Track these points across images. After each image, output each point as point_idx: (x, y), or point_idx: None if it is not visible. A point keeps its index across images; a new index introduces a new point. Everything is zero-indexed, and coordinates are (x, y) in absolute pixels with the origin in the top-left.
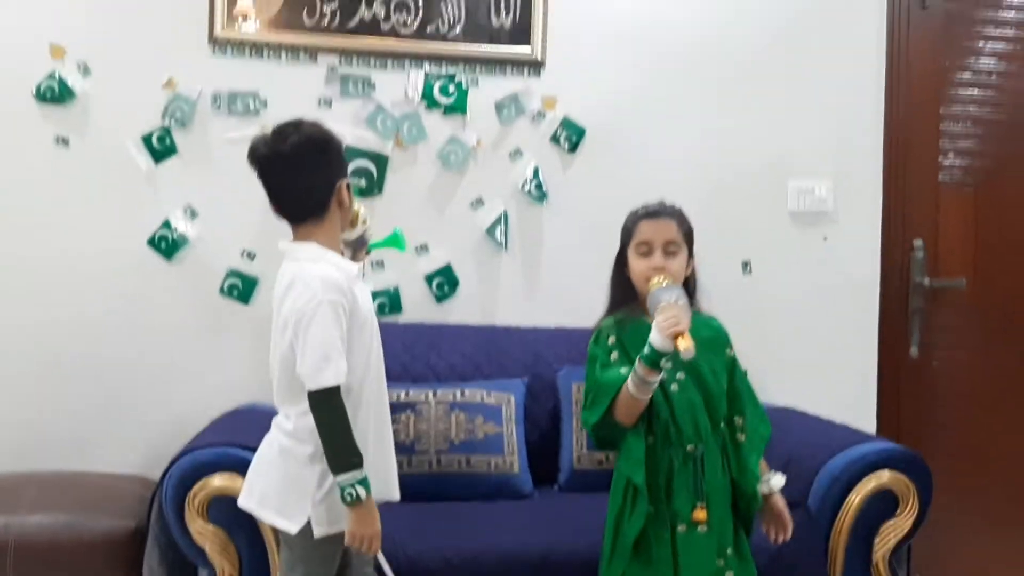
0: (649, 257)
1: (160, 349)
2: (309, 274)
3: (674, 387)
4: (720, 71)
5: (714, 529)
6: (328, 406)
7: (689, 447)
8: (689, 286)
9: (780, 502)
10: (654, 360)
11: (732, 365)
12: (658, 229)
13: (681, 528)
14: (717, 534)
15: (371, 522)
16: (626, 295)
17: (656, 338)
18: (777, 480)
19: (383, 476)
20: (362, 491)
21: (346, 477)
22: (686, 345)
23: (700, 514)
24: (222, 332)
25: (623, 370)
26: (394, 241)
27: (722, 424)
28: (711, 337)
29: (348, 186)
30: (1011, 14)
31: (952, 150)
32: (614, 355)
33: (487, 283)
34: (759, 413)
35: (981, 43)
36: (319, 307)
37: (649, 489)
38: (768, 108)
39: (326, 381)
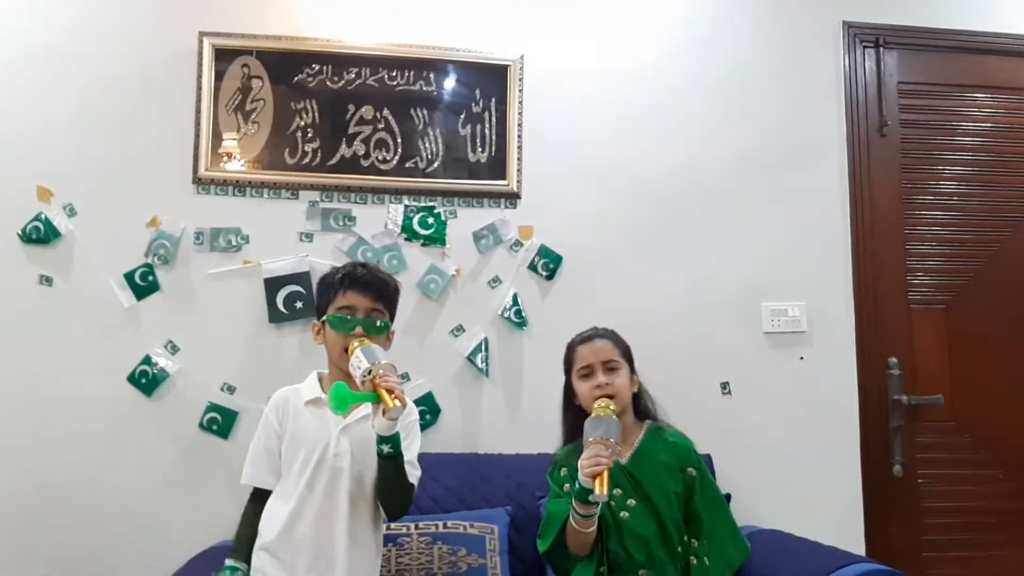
0: (591, 378)
1: (139, 485)
2: None
3: (624, 514)
4: (690, 200)
5: None
6: (248, 498)
7: (641, 572)
8: (641, 402)
9: None
10: (583, 496)
11: (692, 485)
12: (594, 351)
13: None
14: None
15: None
16: (577, 424)
17: (582, 477)
18: None
19: None
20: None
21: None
22: (599, 491)
23: None
24: (201, 467)
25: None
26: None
27: (679, 549)
28: (667, 462)
29: (324, 323)
30: (966, 139)
31: (920, 269)
32: (566, 487)
33: (469, 411)
34: (729, 536)
35: (940, 167)
36: (263, 415)
37: None
38: (738, 234)
39: (242, 479)
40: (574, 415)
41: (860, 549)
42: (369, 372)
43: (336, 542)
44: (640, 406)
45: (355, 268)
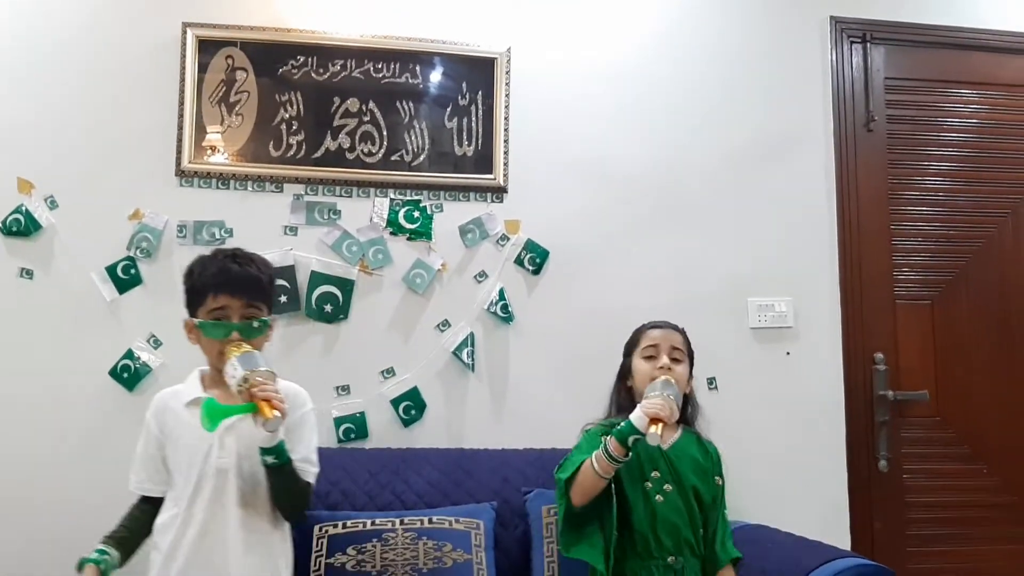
0: (655, 360)
1: (121, 480)
2: None
3: (659, 498)
4: (677, 195)
5: None
6: None
7: (670, 559)
8: (688, 407)
9: None
10: (624, 435)
11: (717, 494)
12: (665, 336)
13: None
14: None
15: None
16: (625, 405)
17: (636, 415)
18: None
19: None
20: (84, 559)
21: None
22: (655, 430)
23: None
24: None
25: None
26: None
27: (697, 544)
28: (703, 463)
29: (196, 324)
30: (951, 135)
31: (906, 265)
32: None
33: (454, 406)
34: (729, 542)
35: (926, 162)
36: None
37: None
38: (725, 229)
39: (129, 485)
40: (624, 396)
41: (845, 543)
42: (245, 381)
43: (228, 546)
44: (685, 411)
45: (225, 264)
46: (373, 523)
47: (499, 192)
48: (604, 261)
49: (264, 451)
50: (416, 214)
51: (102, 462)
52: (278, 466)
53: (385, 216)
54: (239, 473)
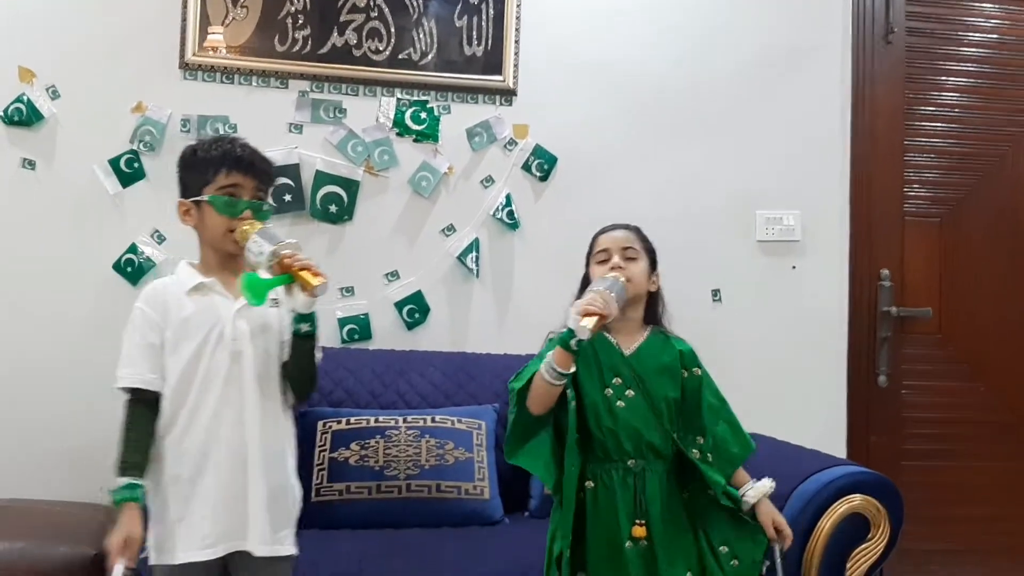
0: (607, 263)
1: None
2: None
3: (620, 404)
4: (688, 103)
5: (660, 545)
6: (125, 406)
7: (630, 462)
8: (654, 305)
9: (765, 514)
10: (566, 340)
11: (697, 385)
12: (615, 238)
13: (628, 545)
14: (666, 551)
15: (117, 531)
16: None
17: (570, 317)
18: (753, 492)
19: (175, 528)
20: (118, 497)
21: (116, 481)
22: (586, 323)
23: (638, 531)
24: None
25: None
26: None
27: (665, 447)
28: (669, 365)
29: (200, 204)
30: (971, 50)
31: (917, 181)
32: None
33: (458, 310)
34: (732, 434)
35: (943, 77)
36: (132, 312)
37: (595, 505)
38: (736, 139)
39: (117, 381)
40: None
41: (842, 456)
42: (274, 255)
43: (246, 424)
44: (651, 309)
45: (235, 146)
46: (377, 420)
47: (508, 95)
48: (613, 169)
49: (302, 318)
50: (423, 115)
51: (107, 351)
52: (310, 334)
53: (391, 116)
54: (254, 355)
